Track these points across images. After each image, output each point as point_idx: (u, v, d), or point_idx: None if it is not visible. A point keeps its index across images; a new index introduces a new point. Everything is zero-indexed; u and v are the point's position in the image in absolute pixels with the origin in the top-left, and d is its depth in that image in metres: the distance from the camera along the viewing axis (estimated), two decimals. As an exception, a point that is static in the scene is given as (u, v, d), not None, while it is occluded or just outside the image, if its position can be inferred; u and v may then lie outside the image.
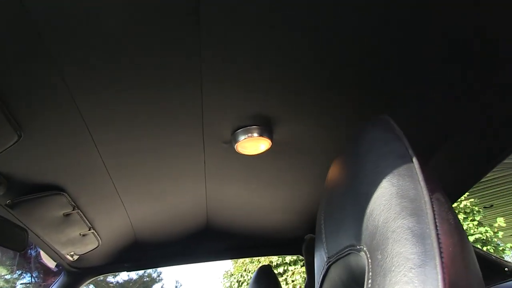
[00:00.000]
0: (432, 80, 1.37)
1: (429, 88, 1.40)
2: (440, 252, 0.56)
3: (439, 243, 0.57)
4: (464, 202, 11.58)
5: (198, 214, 2.20)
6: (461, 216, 11.47)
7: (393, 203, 0.67)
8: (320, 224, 1.08)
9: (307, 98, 1.42)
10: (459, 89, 1.42)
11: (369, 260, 0.67)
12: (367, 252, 0.69)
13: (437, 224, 0.60)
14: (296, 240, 2.65)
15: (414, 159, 0.72)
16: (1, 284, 14.58)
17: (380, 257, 0.63)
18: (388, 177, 0.72)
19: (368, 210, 0.72)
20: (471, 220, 11.51)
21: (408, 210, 0.64)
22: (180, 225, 2.29)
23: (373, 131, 0.86)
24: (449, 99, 1.46)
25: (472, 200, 11.58)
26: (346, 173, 0.94)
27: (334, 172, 1.06)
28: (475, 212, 11.62)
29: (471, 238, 10.95)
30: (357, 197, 0.80)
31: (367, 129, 0.90)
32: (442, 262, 0.55)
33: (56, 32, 1.04)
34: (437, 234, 0.58)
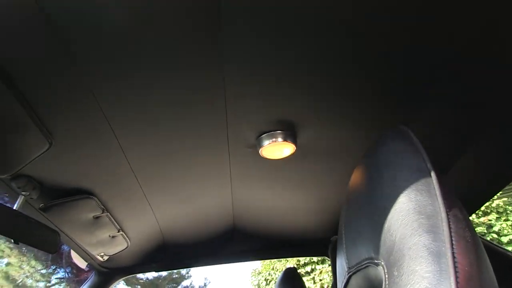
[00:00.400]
0: (453, 84, 1.35)
1: (450, 92, 1.38)
2: (456, 272, 0.56)
3: (454, 262, 0.57)
4: (496, 201, 11.25)
5: (224, 216, 2.23)
6: (493, 216, 11.14)
7: (410, 219, 0.67)
8: (341, 231, 1.08)
9: (330, 103, 1.42)
10: (480, 93, 1.39)
11: (386, 276, 0.68)
12: (385, 267, 0.69)
13: (453, 242, 0.60)
14: (322, 242, 2.64)
15: (433, 173, 0.71)
16: (38, 278, 15.01)
17: (396, 273, 0.64)
18: (406, 191, 0.71)
19: (386, 225, 0.73)
20: (504, 220, 11.17)
21: (425, 227, 0.64)
22: (206, 226, 2.31)
23: (391, 143, 0.86)
24: (470, 103, 1.43)
25: (505, 199, 11.25)
26: (365, 184, 0.94)
27: (354, 180, 1.06)
28: (508, 212, 11.28)
29: (504, 239, 10.62)
30: (375, 209, 0.80)
31: (385, 140, 0.89)
32: (457, 282, 0.55)
33: (85, 47, 1.08)
34: (453, 253, 0.58)
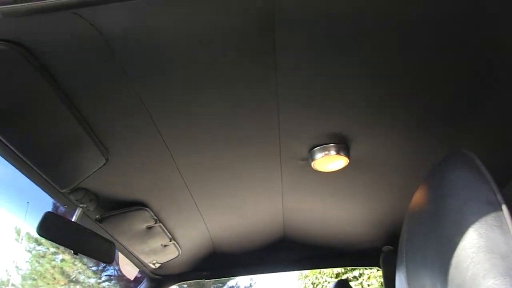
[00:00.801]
0: None
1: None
2: None
3: None
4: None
5: (275, 226, 2.22)
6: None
7: (482, 257, 0.63)
8: (402, 248, 1.05)
9: (383, 117, 1.40)
10: None
11: None
12: None
13: None
14: (373, 252, 2.59)
15: (504, 207, 0.67)
16: (89, 275, 15.58)
17: None
18: (475, 226, 0.67)
19: (454, 260, 0.69)
20: None
21: (500, 268, 0.60)
22: (257, 236, 2.32)
23: (457, 170, 0.82)
24: None
25: None
26: (429, 208, 0.91)
27: (417, 200, 1.03)
28: None
29: None
30: (441, 239, 0.77)
31: (450, 166, 0.85)
32: None
33: (141, 69, 1.11)
34: None
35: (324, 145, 1.54)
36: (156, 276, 2.47)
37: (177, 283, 2.55)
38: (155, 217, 1.86)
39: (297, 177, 1.76)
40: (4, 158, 1.33)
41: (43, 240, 15.48)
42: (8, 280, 16.64)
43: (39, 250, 16.03)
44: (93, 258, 1.73)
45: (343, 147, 1.55)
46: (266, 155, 1.59)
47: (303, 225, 2.27)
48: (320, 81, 1.22)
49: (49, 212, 1.56)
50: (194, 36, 1.03)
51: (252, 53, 1.10)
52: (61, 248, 14.76)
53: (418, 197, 1.02)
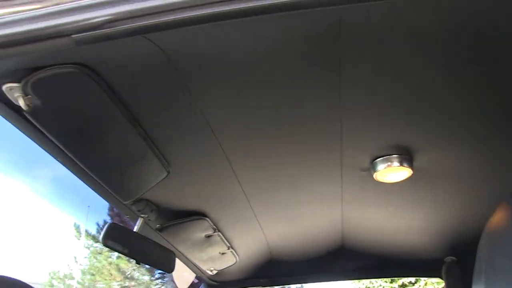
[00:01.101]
0: None
1: None
2: None
3: None
4: None
5: (333, 235, 2.19)
6: None
7: None
8: (480, 269, 1.02)
9: (449, 128, 1.36)
10: None
11: None
12: None
13: None
14: (434, 262, 2.49)
15: None
16: (144, 272, 16.06)
17: None
18: None
19: None
20: None
21: None
22: (314, 245, 2.29)
23: None
24: None
25: None
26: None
27: (500, 220, 0.99)
28: None
29: None
30: None
31: None
32: None
33: (203, 84, 1.11)
34: None
35: (387, 156, 1.50)
36: (213, 282, 2.48)
37: (233, 289, 2.56)
38: (214, 226, 1.88)
39: (357, 187, 1.74)
40: (72, 172, 1.38)
41: (98, 236, 16.10)
42: (71, 274, 17.42)
43: (96, 247, 16.68)
44: (154, 267, 1.76)
45: (406, 158, 1.51)
46: (327, 165, 1.57)
47: (362, 234, 2.23)
48: (383, 93, 1.20)
49: (113, 223, 1.60)
50: (258, 54, 1.03)
51: (317, 66, 1.08)
52: (117, 245, 15.29)
53: (502, 216, 0.98)
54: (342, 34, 0.97)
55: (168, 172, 1.45)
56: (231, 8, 0.78)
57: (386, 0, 0.83)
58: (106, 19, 0.80)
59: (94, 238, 16.38)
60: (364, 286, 14.05)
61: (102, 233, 1.58)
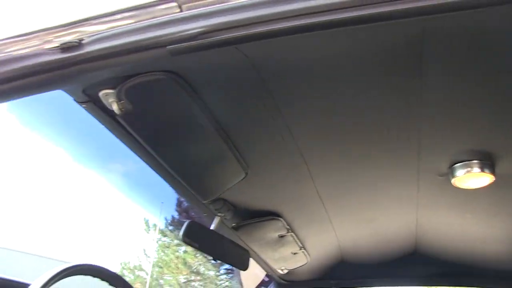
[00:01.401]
0: None
1: None
2: None
3: None
4: None
5: (406, 240, 2.15)
6: None
7: None
8: None
9: None
10: None
11: None
12: None
13: None
14: (515, 273, 2.37)
15: None
16: (209, 267, 16.41)
17: None
18: None
19: None
20: None
21: None
22: (387, 249, 2.26)
23: None
24: None
25: None
26: None
27: None
28: None
29: None
30: None
31: None
32: None
33: (284, 89, 1.15)
34: None
35: (467, 162, 1.46)
36: (283, 282, 2.51)
37: (302, 289, 2.57)
38: (287, 227, 1.90)
39: (434, 192, 1.71)
40: (155, 171, 1.45)
41: (167, 232, 16.65)
42: (140, 265, 18.15)
43: (165, 241, 17.25)
44: (229, 264, 1.81)
45: (488, 164, 1.46)
46: (404, 170, 1.56)
47: (437, 240, 2.17)
48: (464, 97, 1.18)
49: (192, 221, 1.67)
50: (340, 62, 1.05)
51: (398, 73, 1.09)
52: (184, 240, 15.72)
53: None
54: (426, 42, 0.97)
55: (246, 174, 1.49)
56: (318, 20, 0.82)
57: (475, 9, 0.82)
58: (200, 31, 0.85)
59: (163, 233, 16.95)
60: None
61: (182, 230, 1.64)
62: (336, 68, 1.07)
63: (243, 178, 1.51)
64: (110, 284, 1.37)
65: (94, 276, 1.32)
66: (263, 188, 1.67)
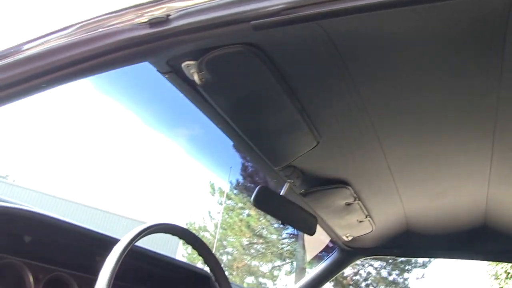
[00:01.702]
0: None
1: None
2: None
3: None
4: None
5: (475, 215, 2.12)
6: None
7: None
8: None
9: None
10: None
11: None
12: None
13: None
14: None
15: None
16: (272, 231, 16.77)
17: None
18: None
19: None
20: None
21: None
22: (454, 222, 2.23)
23: None
24: None
25: None
26: None
27: None
28: None
29: None
30: None
31: None
32: None
33: (359, 63, 1.17)
34: None
35: None
36: (347, 248, 2.56)
37: (367, 256, 2.61)
38: (354, 195, 1.93)
39: (508, 168, 1.68)
40: (230, 138, 1.53)
41: (232, 195, 17.12)
42: (205, 226, 18.88)
43: (229, 204, 17.77)
44: (296, 229, 1.88)
45: None
46: (477, 145, 1.54)
47: (508, 216, 2.11)
48: None
49: (262, 186, 1.74)
50: (416, 38, 1.05)
51: (478, 47, 1.07)
52: (248, 204, 16.14)
53: None
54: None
55: (318, 143, 1.53)
56: None
57: None
58: (283, 7, 0.89)
59: (228, 196, 17.45)
60: (503, 270, 13.06)
61: (253, 195, 1.72)
62: (413, 44, 1.08)
63: (314, 147, 1.55)
64: (192, 245, 1.48)
65: (175, 235, 1.43)
66: (333, 157, 1.71)
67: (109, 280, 1.11)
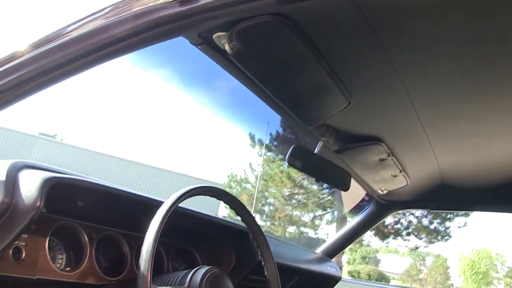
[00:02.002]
0: None
1: None
2: None
3: None
4: None
5: (509, 168, 2.11)
6: None
7: None
8: None
9: None
10: None
11: None
12: None
13: None
14: None
15: None
16: (312, 182, 16.92)
17: None
18: None
19: None
20: None
21: None
22: (489, 175, 2.24)
23: None
24: None
25: None
26: None
27: None
28: None
29: None
30: None
31: None
32: None
33: (389, 25, 1.19)
34: None
35: None
36: (382, 201, 2.62)
37: (402, 209, 2.66)
38: (388, 151, 1.97)
39: None
40: (263, 101, 1.59)
41: (272, 147, 17.28)
42: (246, 178, 19.26)
43: (269, 155, 17.97)
44: (331, 185, 1.95)
45: None
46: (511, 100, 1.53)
47: None
48: None
49: (296, 145, 1.81)
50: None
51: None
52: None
53: None
54: None
55: (349, 103, 1.58)
56: None
57: None
58: None
59: (268, 148, 17.62)
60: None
61: (288, 154, 1.80)
62: (441, 4, 1.08)
63: (346, 106, 1.59)
64: (230, 205, 1.58)
65: (214, 197, 1.53)
66: (366, 116, 1.76)
67: (155, 238, 1.23)
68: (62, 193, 1.25)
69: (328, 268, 2.63)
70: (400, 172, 2.19)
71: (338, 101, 1.56)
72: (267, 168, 18.33)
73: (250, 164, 19.60)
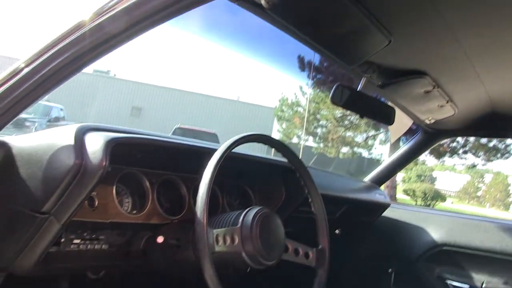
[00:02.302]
0: None
1: None
2: None
3: None
4: None
5: None
6: None
7: None
8: None
9: None
10: None
11: None
12: None
13: None
14: None
15: None
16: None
17: None
18: None
19: None
20: None
21: None
22: None
23: None
24: None
25: None
26: None
27: None
28: None
29: None
30: None
31: None
32: None
33: None
34: None
35: None
36: (430, 130, 2.63)
37: (450, 137, 2.69)
38: (433, 83, 1.96)
39: None
40: (306, 46, 1.64)
41: (322, 68, 17.00)
42: (298, 101, 19.18)
43: (319, 77, 17.71)
44: (375, 120, 1.99)
45: None
46: None
47: None
48: None
49: (339, 84, 1.84)
50: None
51: None
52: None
53: None
54: None
55: (390, 41, 1.57)
56: None
57: None
58: None
59: (317, 69, 17.33)
60: None
61: (331, 92, 1.84)
62: None
63: (387, 45, 1.59)
64: (277, 149, 1.67)
65: (263, 143, 1.63)
66: (408, 51, 1.75)
67: (210, 181, 1.36)
68: (123, 149, 1.39)
69: (376, 195, 2.73)
70: (447, 102, 2.18)
71: (377, 40, 1.56)
72: (318, 90, 18.15)
73: (301, 87, 19.51)
